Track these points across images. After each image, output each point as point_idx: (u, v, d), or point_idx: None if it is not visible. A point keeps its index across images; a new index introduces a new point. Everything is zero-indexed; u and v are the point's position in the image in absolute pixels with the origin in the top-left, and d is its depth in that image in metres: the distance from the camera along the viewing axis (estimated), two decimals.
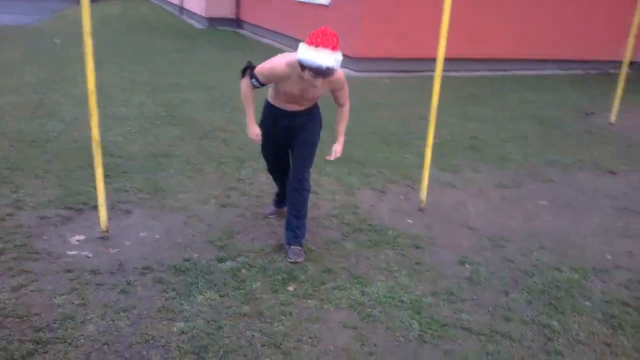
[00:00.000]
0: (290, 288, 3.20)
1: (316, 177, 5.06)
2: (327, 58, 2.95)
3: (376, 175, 5.21)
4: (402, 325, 2.91)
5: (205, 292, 3.09)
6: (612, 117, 7.88)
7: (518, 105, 8.88)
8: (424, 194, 4.49)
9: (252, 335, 2.76)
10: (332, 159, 3.61)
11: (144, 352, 2.58)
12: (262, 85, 3.33)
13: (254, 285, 3.20)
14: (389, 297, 3.15)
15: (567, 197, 5.03)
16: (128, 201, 4.24)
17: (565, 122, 7.90)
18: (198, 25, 18.01)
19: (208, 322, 2.83)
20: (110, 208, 3.98)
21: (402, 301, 3.13)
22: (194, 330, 2.74)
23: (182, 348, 2.61)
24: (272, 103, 3.55)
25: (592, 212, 4.69)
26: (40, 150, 5.19)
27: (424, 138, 6.66)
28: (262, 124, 3.64)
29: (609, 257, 3.85)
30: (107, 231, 3.69)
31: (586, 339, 2.89)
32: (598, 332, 2.95)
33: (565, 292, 3.33)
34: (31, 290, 2.99)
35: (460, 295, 3.24)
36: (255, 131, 3.54)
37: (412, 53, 10.90)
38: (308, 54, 2.97)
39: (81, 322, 2.76)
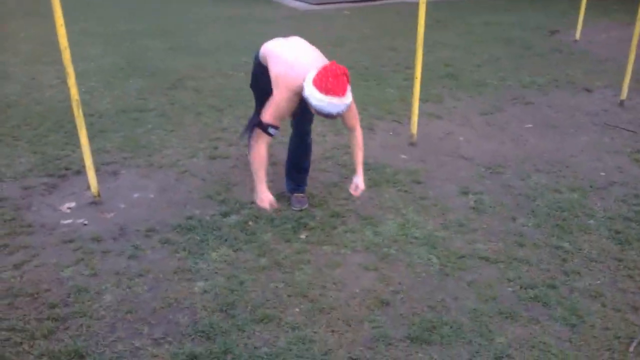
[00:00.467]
0: (302, 236, 3.15)
1: None
2: (339, 106, 2.70)
3: (361, 113, 5.06)
4: (420, 261, 2.92)
5: (218, 249, 3.01)
6: (577, 35, 7.93)
7: (483, 29, 8.81)
8: (414, 128, 4.44)
9: (276, 286, 2.71)
10: (357, 194, 3.17)
11: (170, 316, 2.50)
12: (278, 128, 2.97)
13: (265, 237, 3.13)
14: (402, 235, 3.14)
15: (549, 118, 5.08)
16: (112, 162, 4.04)
17: (532, 42, 7.89)
18: None
19: (228, 278, 2.76)
20: (96, 171, 3.77)
21: (416, 237, 3.13)
22: (217, 288, 2.68)
23: (208, 307, 2.55)
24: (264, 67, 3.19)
25: (577, 131, 4.76)
26: (3, 116, 4.84)
27: (399, 71, 6.57)
28: (254, 74, 3.42)
29: (602, 174, 3.94)
30: (99, 195, 3.51)
31: (598, 256, 2.97)
32: (608, 248, 3.05)
33: (568, 213, 3.40)
34: (35, 266, 2.83)
35: (470, 225, 3.26)
36: (269, 198, 2.97)
37: None
38: (318, 101, 2.69)
39: (96, 292, 2.65)
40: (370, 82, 6.07)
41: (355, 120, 3.11)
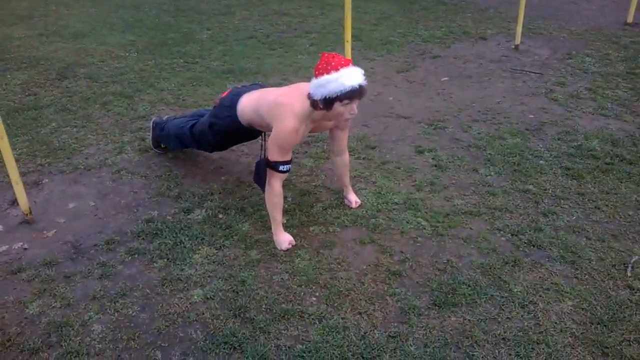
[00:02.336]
0: (283, 220, 2.97)
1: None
2: (356, 73, 2.44)
3: (282, 83, 4.90)
4: (411, 226, 2.90)
5: (199, 250, 2.73)
6: None
7: None
8: None
9: (282, 278, 2.53)
10: (356, 207, 3.05)
11: (180, 334, 2.23)
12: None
13: (244, 228, 2.90)
14: (383, 203, 3.09)
15: (460, 69, 5.29)
16: (28, 171, 3.48)
17: None
18: None
19: (226, 280, 2.53)
20: (14, 184, 3.23)
21: (396, 203, 3.10)
22: (219, 293, 2.44)
23: (219, 316, 2.32)
24: (245, 126, 2.92)
25: (491, 78, 5.01)
26: None
27: (300, 36, 6.42)
28: (223, 132, 3.05)
29: (531, 116, 4.20)
30: (30, 213, 3.01)
31: (563, 194, 3.17)
32: (567, 185, 3.26)
33: (519, 157, 3.58)
34: None
35: (439, 183, 3.31)
36: (288, 239, 2.75)
37: None
38: (334, 83, 2.38)
39: (81, 325, 2.28)
40: (277, 50, 5.86)
41: (346, 141, 2.95)
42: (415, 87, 4.87)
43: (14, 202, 3.07)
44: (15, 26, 6.89)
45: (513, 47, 5.79)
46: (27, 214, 3.00)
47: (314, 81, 2.45)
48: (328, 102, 2.45)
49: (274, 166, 2.61)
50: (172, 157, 3.66)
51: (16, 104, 4.49)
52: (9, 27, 6.87)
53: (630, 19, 6.62)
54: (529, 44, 5.94)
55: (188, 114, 3.65)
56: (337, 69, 2.39)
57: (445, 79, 5.06)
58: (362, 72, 2.49)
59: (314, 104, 2.49)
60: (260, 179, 2.72)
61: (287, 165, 2.63)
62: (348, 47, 4.20)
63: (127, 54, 5.78)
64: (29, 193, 3.21)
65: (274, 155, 2.60)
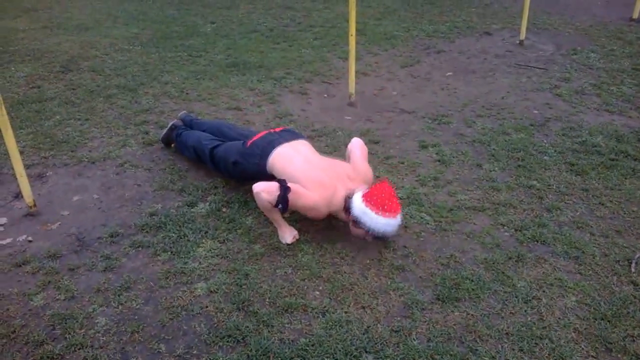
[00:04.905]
0: (286, 214, 2.97)
1: (229, 91, 4.63)
2: (394, 226, 2.56)
3: (286, 77, 4.91)
4: (415, 221, 2.90)
5: (202, 243, 2.74)
6: None
7: None
8: (352, 87, 4.36)
9: (285, 272, 2.54)
10: None
11: (184, 327, 2.24)
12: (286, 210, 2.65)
13: (247, 222, 2.91)
14: None
15: (464, 64, 5.27)
16: (32, 164, 3.49)
17: None
18: None
19: (230, 273, 2.53)
20: (19, 176, 3.23)
21: (400, 197, 3.09)
22: (223, 287, 2.44)
23: (223, 309, 2.32)
24: (269, 174, 2.88)
25: (495, 74, 5.00)
26: None
27: (304, 30, 6.40)
28: (245, 172, 3.01)
29: (535, 111, 4.19)
30: (34, 205, 3.02)
31: (567, 189, 3.17)
32: (571, 181, 3.25)
33: (524, 152, 3.57)
34: None
35: (443, 178, 3.30)
36: (293, 233, 2.75)
37: None
38: (374, 221, 2.51)
39: (85, 318, 2.29)
40: (282, 45, 5.84)
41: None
42: (420, 82, 4.86)
43: (19, 195, 3.08)
44: (20, 19, 6.89)
45: (518, 42, 5.77)
46: (31, 207, 3.00)
47: (361, 205, 2.54)
48: (358, 224, 2.58)
49: (283, 196, 2.56)
50: (175, 151, 3.66)
51: (20, 97, 4.49)
52: (14, 19, 6.87)
53: (635, 15, 6.59)
54: (533, 39, 5.92)
55: (209, 125, 3.52)
56: (384, 214, 2.52)
57: (450, 74, 5.04)
58: (400, 223, 2.60)
59: (346, 212, 2.63)
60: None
61: (284, 207, 2.59)
62: (352, 41, 4.19)
63: (131, 47, 5.77)
64: (33, 186, 3.22)
65: (294, 193, 2.57)
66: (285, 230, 2.75)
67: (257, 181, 2.65)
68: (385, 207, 2.52)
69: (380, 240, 2.66)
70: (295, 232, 2.77)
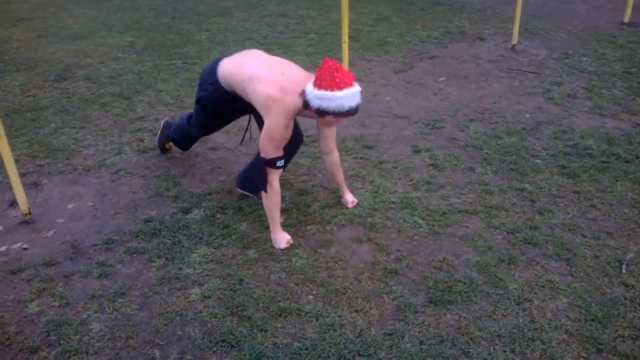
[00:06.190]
0: (281, 219, 2.99)
1: None
2: (356, 95, 2.44)
3: None
4: (408, 224, 2.92)
5: (197, 249, 2.75)
6: None
7: None
8: None
9: (279, 277, 2.55)
10: (352, 206, 3.08)
11: (179, 332, 2.25)
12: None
13: (242, 228, 2.92)
14: (380, 202, 3.11)
15: (457, 69, 5.31)
16: (27, 172, 3.50)
17: None
18: None
19: (224, 278, 2.54)
20: (14, 184, 3.25)
21: (393, 202, 3.12)
22: (217, 292, 2.45)
23: (217, 314, 2.33)
24: (229, 92, 2.82)
25: (487, 79, 5.04)
26: None
27: (299, 37, 6.45)
28: (211, 105, 2.97)
29: (527, 115, 4.22)
30: (29, 213, 3.03)
31: (558, 192, 3.19)
32: (562, 184, 3.28)
33: (516, 156, 3.60)
34: None
35: (436, 182, 3.33)
36: (286, 239, 2.76)
37: None
38: (334, 102, 2.41)
39: (80, 324, 2.29)
40: (276, 52, 5.87)
41: (333, 139, 2.90)
42: (413, 87, 4.90)
43: (14, 203, 3.09)
44: (14, 28, 6.92)
45: (510, 47, 5.81)
46: (26, 215, 3.02)
47: (314, 91, 2.44)
48: (322, 113, 2.48)
49: (272, 163, 2.62)
50: (170, 158, 3.68)
51: (15, 106, 4.51)
52: (8, 29, 6.90)
53: (626, 19, 6.65)
54: (525, 43, 5.97)
55: None
56: (340, 89, 2.40)
57: (443, 79, 5.08)
58: (360, 90, 2.49)
59: (306, 105, 2.52)
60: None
61: (282, 161, 2.65)
62: (345, 47, 4.23)
63: (126, 56, 5.80)
64: (29, 194, 3.24)
65: (268, 152, 2.60)
66: (279, 234, 2.77)
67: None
68: (337, 81, 2.39)
69: (353, 117, 2.56)
70: (289, 237, 2.78)
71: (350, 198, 3.09)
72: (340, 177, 3.04)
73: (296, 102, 2.54)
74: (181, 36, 6.51)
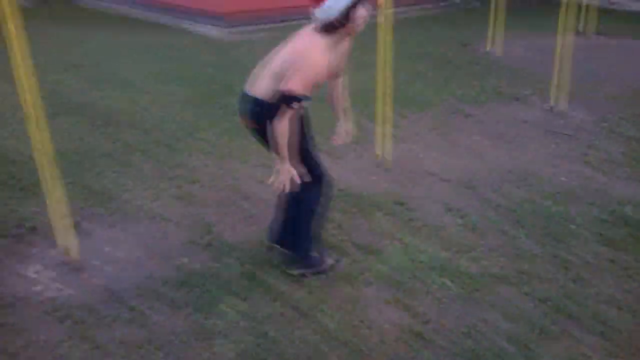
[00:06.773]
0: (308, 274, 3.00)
1: (260, 148, 4.76)
2: None
3: (316, 136, 5.03)
4: (437, 286, 2.89)
5: (225, 300, 2.78)
6: (488, 46, 8.44)
7: (397, 46, 9.08)
8: (380, 148, 4.44)
9: (304, 334, 2.55)
10: (342, 142, 3.01)
11: None
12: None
13: (269, 280, 2.95)
14: (409, 261, 3.10)
15: (492, 129, 5.32)
16: (68, 214, 3.63)
17: (449, 56, 8.28)
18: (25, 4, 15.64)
19: (249, 332, 2.56)
20: (55, 225, 3.37)
21: (422, 262, 3.10)
22: (241, 346, 2.47)
23: None
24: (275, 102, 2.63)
25: (523, 140, 5.03)
26: None
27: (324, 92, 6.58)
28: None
29: (563, 179, 4.18)
30: (67, 254, 3.13)
31: (594, 260, 3.12)
32: (598, 251, 3.21)
33: (550, 220, 3.55)
34: (22, 347, 2.45)
35: (467, 244, 3.30)
36: (293, 172, 2.66)
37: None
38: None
39: None
40: (314, 105, 6.01)
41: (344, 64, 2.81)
42: (447, 145, 4.92)
43: (53, 244, 3.20)
44: (67, 73, 7.29)
45: (548, 108, 5.81)
46: (65, 256, 3.12)
47: (320, 10, 2.46)
48: (346, 14, 2.45)
49: (290, 99, 2.41)
50: (203, 206, 3.77)
51: (62, 149, 4.71)
52: (60, 74, 7.27)
53: None
54: (563, 105, 5.95)
55: None
56: None
57: (477, 138, 5.09)
58: None
59: (330, 26, 2.48)
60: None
61: (308, 101, 2.48)
62: (381, 103, 4.31)
63: (172, 104, 6.03)
64: (68, 235, 3.35)
65: (295, 84, 2.41)
66: (288, 166, 2.62)
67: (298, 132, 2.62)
68: None
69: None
70: (295, 172, 2.62)
71: (346, 128, 3.00)
72: (346, 100, 2.92)
73: (322, 39, 2.51)
74: (224, 87, 6.73)
